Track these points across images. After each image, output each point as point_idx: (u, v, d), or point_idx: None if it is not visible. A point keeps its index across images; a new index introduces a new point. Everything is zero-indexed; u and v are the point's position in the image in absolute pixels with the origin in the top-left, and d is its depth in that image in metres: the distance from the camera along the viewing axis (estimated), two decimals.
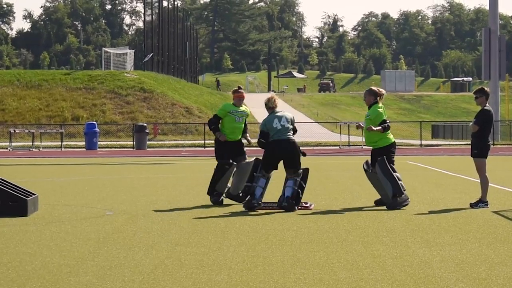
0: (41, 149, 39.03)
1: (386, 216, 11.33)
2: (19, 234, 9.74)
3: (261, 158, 12.52)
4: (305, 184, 12.29)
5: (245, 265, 7.59)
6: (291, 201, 12.02)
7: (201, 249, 8.53)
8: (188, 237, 9.41)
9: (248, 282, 6.80)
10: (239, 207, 12.45)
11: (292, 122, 12.50)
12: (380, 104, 12.68)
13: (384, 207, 12.28)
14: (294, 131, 12.50)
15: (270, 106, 12.55)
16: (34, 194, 11.97)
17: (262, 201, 12.38)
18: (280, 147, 12.21)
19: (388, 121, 12.64)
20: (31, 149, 38.78)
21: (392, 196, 12.21)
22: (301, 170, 12.33)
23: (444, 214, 11.54)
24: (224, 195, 13.07)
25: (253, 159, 13.06)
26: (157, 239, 9.24)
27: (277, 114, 12.40)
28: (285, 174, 12.37)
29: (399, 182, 12.27)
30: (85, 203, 13.37)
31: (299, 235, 9.49)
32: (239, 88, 13.38)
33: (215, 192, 12.98)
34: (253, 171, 12.44)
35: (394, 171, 12.37)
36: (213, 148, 13.49)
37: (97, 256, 8.13)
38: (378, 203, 12.63)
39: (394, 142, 12.74)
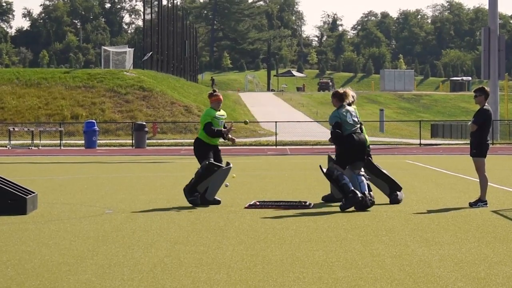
0: (40, 147, 39.01)
1: (385, 215, 11.34)
2: (18, 232, 9.74)
3: (330, 156, 12.32)
4: None
5: (244, 264, 7.59)
6: (369, 196, 11.92)
7: (200, 247, 8.53)
8: (187, 236, 9.41)
9: (247, 281, 6.80)
10: (238, 206, 12.44)
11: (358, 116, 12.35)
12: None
13: (382, 206, 12.31)
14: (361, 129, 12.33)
15: (342, 99, 12.21)
16: (33, 193, 11.98)
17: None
18: (359, 140, 12.07)
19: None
20: (30, 147, 38.77)
21: (390, 193, 12.68)
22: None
23: (443, 213, 11.54)
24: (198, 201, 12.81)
25: (230, 165, 12.90)
26: (156, 238, 9.24)
27: (348, 108, 12.18)
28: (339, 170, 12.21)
29: (392, 177, 12.75)
30: (84, 201, 13.36)
31: (298, 234, 9.49)
32: (214, 91, 13.13)
33: (196, 193, 12.63)
34: (330, 174, 12.14)
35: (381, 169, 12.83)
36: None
37: (96, 254, 8.13)
38: (326, 199, 13.01)
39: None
